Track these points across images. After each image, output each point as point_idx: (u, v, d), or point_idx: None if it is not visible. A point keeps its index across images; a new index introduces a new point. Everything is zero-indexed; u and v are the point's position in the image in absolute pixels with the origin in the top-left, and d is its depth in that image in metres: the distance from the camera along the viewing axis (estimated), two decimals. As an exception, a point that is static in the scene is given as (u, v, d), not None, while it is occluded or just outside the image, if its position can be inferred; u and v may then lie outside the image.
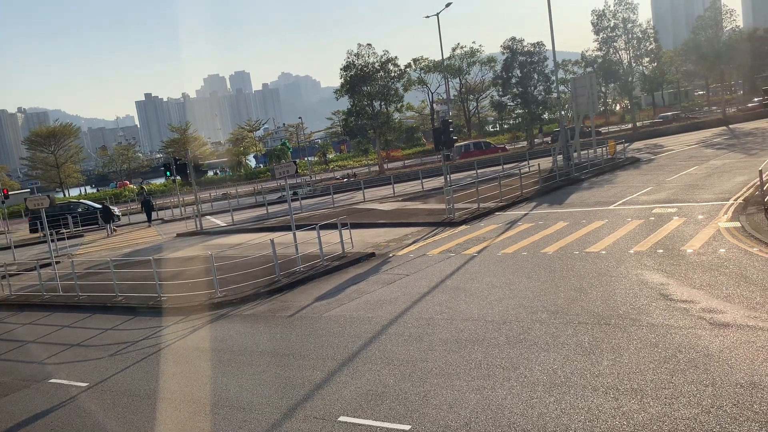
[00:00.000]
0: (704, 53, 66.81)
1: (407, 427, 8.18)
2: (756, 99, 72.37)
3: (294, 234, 19.03)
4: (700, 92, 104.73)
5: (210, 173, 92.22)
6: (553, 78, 57.10)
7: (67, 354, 14.19)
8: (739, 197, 21.11)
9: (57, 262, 24.08)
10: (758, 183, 19.72)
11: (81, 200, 52.80)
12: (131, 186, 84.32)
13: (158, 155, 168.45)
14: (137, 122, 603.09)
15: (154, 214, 43.14)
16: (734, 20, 71.03)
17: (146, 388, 11.20)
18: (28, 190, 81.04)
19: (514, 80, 62.75)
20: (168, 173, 39.57)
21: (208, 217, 39.62)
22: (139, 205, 44.99)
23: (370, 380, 9.90)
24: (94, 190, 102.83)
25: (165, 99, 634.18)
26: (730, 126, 55.87)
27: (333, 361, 11.03)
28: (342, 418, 8.74)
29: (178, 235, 32.67)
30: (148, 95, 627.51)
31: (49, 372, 12.99)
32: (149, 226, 40.87)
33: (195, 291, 17.34)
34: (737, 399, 7.66)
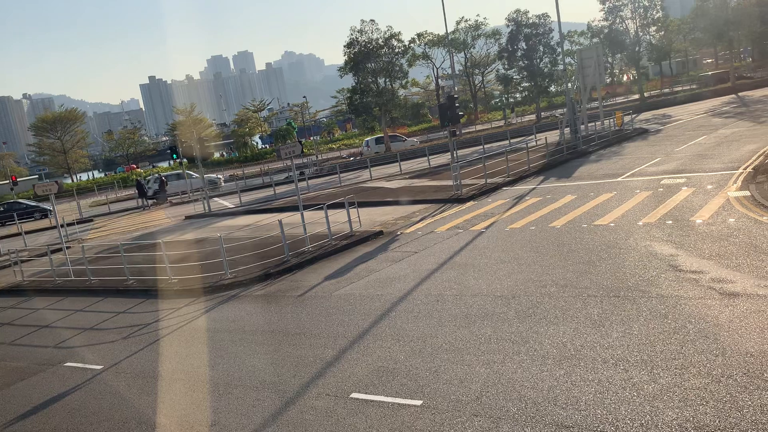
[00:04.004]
0: (712, 20, 65.69)
1: (418, 402, 8.25)
2: None
3: (302, 214, 19.07)
4: (709, 60, 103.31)
5: (216, 155, 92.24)
6: (559, 50, 56.47)
7: (81, 338, 14.37)
8: (748, 166, 20.93)
9: (68, 247, 24.27)
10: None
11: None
12: (139, 170, 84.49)
13: (164, 138, 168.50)
14: (142, 105, 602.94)
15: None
16: (743, -15, 69.74)
17: (160, 369, 11.34)
18: (36, 176, 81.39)
19: (519, 53, 62.07)
20: (174, 156, 39.74)
21: (216, 199, 39.72)
22: (157, 185, 46.44)
23: (381, 357, 9.97)
24: (102, 175, 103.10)
25: (169, 81, 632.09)
26: (739, 94, 55.22)
27: (344, 338, 11.11)
28: (354, 395, 8.83)
29: (187, 218, 32.81)
30: (152, 78, 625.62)
31: (65, 356, 13.18)
32: (166, 203, 43.46)
33: (205, 273, 17.46)
34: (748, 368, 7.68)
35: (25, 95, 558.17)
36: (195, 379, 10.58)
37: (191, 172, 49.01)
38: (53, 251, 22.74)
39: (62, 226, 27.32)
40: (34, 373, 12.44)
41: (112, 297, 17.75)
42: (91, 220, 39.97)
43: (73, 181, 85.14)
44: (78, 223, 37.27)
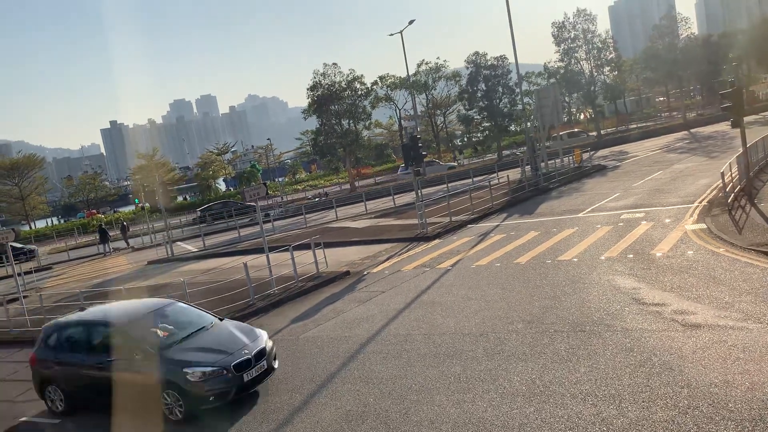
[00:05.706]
0: (662, 60, 68.50)
1: (389, 446, 8.12)
2: None
3: (267, 256, 18.89)
4: (661, 98, 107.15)
5: (180, 198, 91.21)
6: (518, 90, 57.95)
7: (38, 391, 13.80)
8: (703, 200, 21.58)
9: (25, 297, 23.52)
10: (721, 185, 20.18)
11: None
12: (100, 215, 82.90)
13: (126, 182, 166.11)
14: (103, 150, 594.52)
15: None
16: (689, 27, 73.05)
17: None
18: (-7, 224, 79.21)
19: (479, 94, 63.58)
20: (137, 200, 39.28)
21: (179, 243, 39.10)
22: (119, 231, 45.97)
23: (350, 400, 9.83)
24: (61, 221, 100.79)
25: (131, 126, 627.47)
26: (691, 130, 57.22)
27: (311, 383, 10.93)
28: (323, 441, 8.64)
29: (150, 263, 32.18)
30: (113, 122, 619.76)
31: (22, 410, 12.66)
32: (127, 248, 42.87)
33: (168, 319, 17.03)
34: (713, 399, 7.79)
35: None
36: (158, 430, 10.22)
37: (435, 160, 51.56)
38: (9, 301, 22.00)
39: (19, 274, 26.53)
40: (-13, 429, 11.90)
41: (71, 347, 17.13)
42: (50, 268, 38.91)
43: (30, 228, 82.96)
44: (36, 271, 36.21)
